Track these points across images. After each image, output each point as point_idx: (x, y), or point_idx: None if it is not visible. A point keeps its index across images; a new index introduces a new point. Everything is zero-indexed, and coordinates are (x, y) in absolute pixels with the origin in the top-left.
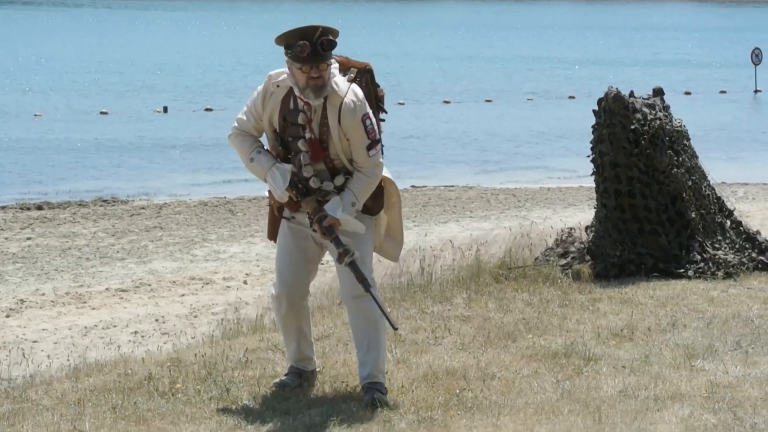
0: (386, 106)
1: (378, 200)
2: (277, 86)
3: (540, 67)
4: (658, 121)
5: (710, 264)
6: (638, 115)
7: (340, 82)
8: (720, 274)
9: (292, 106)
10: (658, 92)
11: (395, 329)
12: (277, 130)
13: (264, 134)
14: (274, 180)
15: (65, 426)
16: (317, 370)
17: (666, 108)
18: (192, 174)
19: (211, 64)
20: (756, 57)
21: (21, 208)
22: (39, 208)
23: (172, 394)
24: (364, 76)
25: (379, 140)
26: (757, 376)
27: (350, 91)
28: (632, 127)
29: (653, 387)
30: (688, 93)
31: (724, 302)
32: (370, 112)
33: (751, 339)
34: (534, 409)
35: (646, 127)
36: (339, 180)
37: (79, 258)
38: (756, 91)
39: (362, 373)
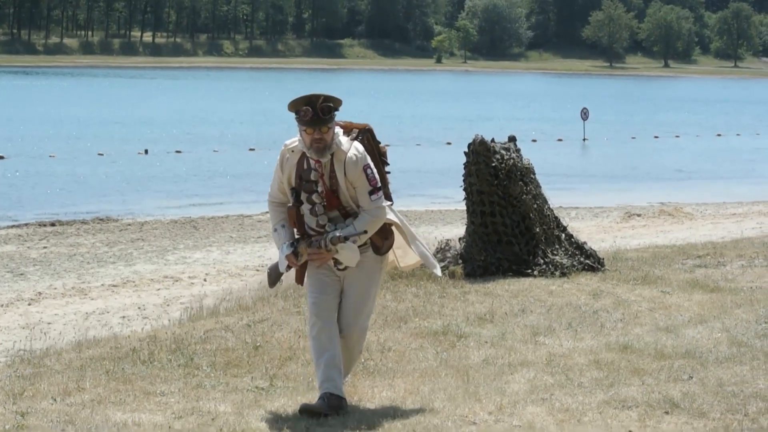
0: None
1: (386, 242)
2: (292, 151)
3: (427, 121)
4: (512, 160)
5: (550, 266)
6: (497, 156)
7: (344, 141)
8: (557, 273)
9: (305, 166)
10: (512, 139)
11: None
12: (294, 187)
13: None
14: (282, 251)
15: (72, 384)
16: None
17: (518, 150)
18: (166, 199)
19: (184, 119)
20: (584, 114)
21: (39, 225)
22: (52, 224)
23: (150, 362)
24: (365, 135)
25: (380, 187)
26: (583, 348)
27: (353, 148)
28: (493, 164)
29: (507, 356)
30: (534, 140)
31: (560, 294)
32: (371, 163)
33: (579, 321)
34: (420, 373)
35: (503, 165)
36: (350, 221)
37: (81, 262)
38: (584, 140)
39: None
